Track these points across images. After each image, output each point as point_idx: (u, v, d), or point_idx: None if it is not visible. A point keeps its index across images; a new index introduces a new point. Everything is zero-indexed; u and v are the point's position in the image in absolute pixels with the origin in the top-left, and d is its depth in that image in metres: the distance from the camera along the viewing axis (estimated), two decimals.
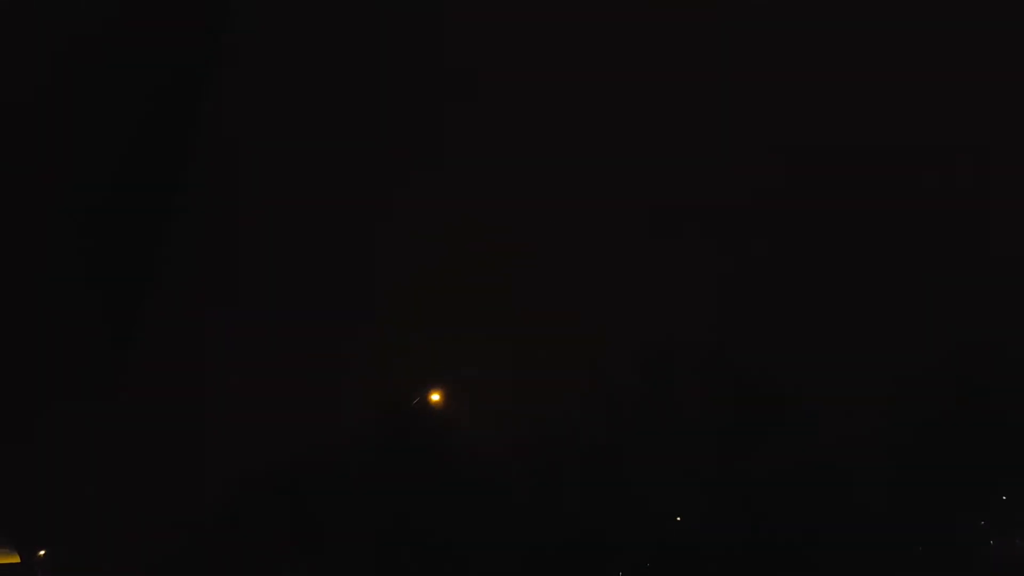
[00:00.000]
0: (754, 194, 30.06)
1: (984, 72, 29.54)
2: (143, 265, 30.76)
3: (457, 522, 29.01)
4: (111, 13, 28.82)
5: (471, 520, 29.12)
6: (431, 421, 29.52)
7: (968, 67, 29.53)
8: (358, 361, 29.96)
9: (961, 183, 29.88)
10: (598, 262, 30.60)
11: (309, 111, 31.91)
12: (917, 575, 26.16)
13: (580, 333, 29.61)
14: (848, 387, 28.28)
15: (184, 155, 30.59)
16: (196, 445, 30.33)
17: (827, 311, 29.35)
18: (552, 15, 31.42)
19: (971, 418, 26.95)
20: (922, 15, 30.46)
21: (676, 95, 30.84)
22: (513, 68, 31.05)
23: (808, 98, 30.27)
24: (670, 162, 30.67)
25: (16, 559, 29.41)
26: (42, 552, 29.75)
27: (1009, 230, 29.58)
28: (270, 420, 29.74)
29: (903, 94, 30.31)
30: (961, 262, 29.31)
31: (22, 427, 29.72)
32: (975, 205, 29.75)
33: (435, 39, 31.98)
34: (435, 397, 29.08)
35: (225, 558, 29.58)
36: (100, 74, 28.94)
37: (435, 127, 31.16)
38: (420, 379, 29.45)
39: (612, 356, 29.67)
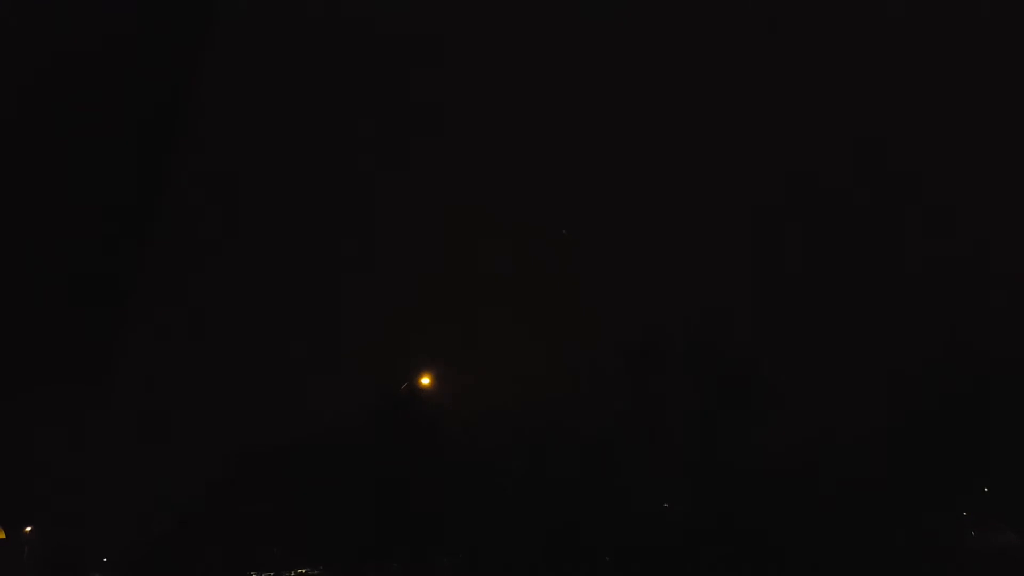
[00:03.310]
0: (750, 189, 30.49)
1: (985, 68, 29.94)
2: (139, 251, 30.96)
3: (446, 507, 29.14)
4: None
5: (460, 506, 29.24)
6: (422, 406, 29.70)
7: (971, 61, 29.92)
8: (354, 346, 30.19)
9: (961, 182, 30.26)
10: (592, 254, 30.97)
11: (306, 108, 32.22)
12: (899, 567, 26.33)
13: (571, 322, 29.92)
14: (833, 381, 28.58)
15: (182, 152, 30.92)
16: (190, 427, 30.48)
17: (818, 305, 29.67)
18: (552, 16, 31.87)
19: (952, 412, 27.21)
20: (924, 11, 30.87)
21: (675, 92, 31.31)
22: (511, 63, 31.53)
23: (805, 94, 30.70)
24: (666, 159, 31.12)
25: (1, 535, 29.43)
26: (28, 528, 29.73)
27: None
28: (266, 403, 29.96)
29: (904, 90, 30.71)
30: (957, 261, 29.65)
31: (11, 408, 29.79)
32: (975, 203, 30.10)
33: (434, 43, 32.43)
34: (424, 381, 29.31)
35: (215, 537, 29.64)
36: (96, 74, 29.27)
37: (434, 119, 31.58)
38: (415, 366, 29.71)
39: (601, 346, 29.93)
